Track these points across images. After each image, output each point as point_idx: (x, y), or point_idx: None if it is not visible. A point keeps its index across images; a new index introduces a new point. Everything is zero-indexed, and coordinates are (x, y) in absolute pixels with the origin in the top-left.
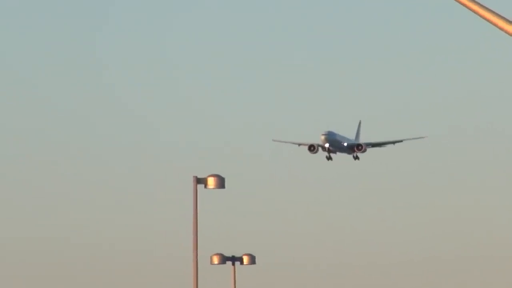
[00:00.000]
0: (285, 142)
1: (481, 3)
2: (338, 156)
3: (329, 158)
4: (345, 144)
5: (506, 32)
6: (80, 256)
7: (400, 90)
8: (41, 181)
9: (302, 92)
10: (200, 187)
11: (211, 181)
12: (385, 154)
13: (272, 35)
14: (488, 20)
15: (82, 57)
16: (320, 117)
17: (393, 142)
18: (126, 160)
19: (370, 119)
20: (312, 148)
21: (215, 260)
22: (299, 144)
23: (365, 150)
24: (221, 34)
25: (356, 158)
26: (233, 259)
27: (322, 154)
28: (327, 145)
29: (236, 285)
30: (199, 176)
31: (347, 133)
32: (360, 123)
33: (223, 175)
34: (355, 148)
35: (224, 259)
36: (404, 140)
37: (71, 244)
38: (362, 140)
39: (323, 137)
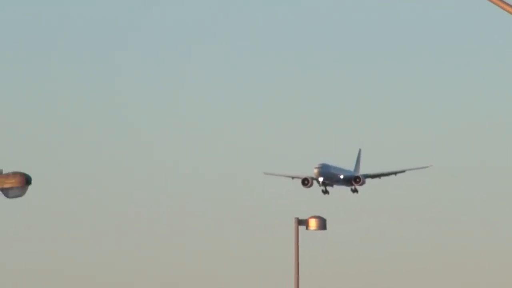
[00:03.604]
0: (278, 175)
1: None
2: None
3: (325, 191)
4: (341, 176)
5: None
6: None
7: (402, 118)
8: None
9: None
10: (302, 228)
11: (313, 223)
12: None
13: (270, 63)
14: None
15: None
16: (318, 146)
17: (395, 173)
18: (227, 202)
19: (372, 147)
20: (306, 182)
21: None
22: (293, 177)
23: (363, 183)
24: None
25: (355, 191)
26: None
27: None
28: (321, 179)
29: None
30: (300, 218)
31: (348, 163)
32: (360, 151)
33: (324, 216)
34: (352, 181)
35: None
36: (407, 170)
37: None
38: (363, 170)
39: (316, 171)
